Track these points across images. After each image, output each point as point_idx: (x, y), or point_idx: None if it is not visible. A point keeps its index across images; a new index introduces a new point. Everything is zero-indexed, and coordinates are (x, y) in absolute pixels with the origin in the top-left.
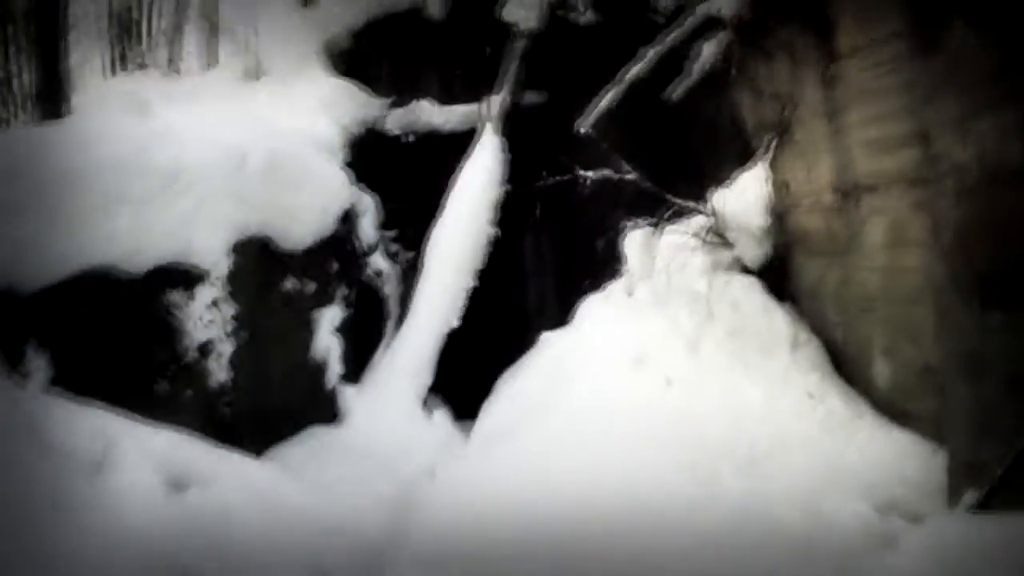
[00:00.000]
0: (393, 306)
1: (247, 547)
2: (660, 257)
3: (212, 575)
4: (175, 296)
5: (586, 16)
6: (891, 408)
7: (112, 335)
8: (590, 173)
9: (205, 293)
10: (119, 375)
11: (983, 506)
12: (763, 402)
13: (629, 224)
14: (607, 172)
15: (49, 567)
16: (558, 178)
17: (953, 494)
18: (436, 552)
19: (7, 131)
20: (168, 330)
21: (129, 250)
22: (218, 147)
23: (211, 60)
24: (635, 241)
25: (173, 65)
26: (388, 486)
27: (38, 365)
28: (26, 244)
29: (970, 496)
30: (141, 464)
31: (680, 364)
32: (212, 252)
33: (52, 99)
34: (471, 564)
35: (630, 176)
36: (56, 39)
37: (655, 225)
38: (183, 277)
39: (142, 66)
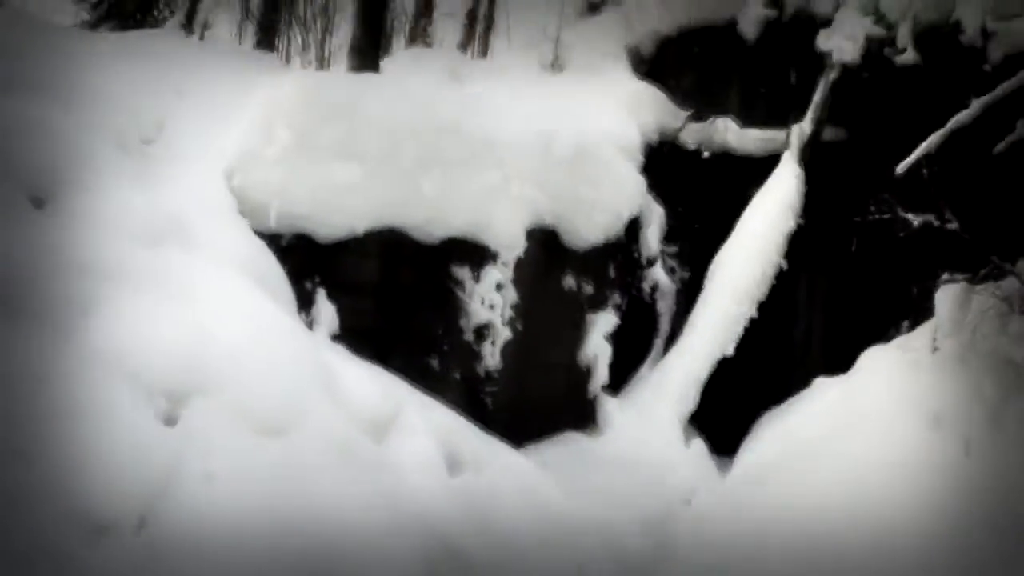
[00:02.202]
0: (665, 323)
1: (515, 538)
2: (971, 317)
3: (483, 560)
4: (463, 271)
5: (906, 56)
6: None
7: (396, 299)
8: (912, 216)
9: (492, 274)
10: (395, 341)
11: None
12: None
13: (943, 277)
14: (930, 217)
15: (335, 519)
16: (879, 216)
17: None
18: None
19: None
20: (451, 305)
21: (430, 216)
22: (528, 125)
23: (488, 49)
24: (948, 295)
25: (464, 47)
26: (648, 504)
27: (326, 315)
28: (336, 191)
29: None
30: (425, 435)
31: (979, 428)
32: (507, 233)
33: (367, 52)
34: None
35: (951, 225)
36: None
37: (971, 281)
38: (475, 253)
39: (429, 43)
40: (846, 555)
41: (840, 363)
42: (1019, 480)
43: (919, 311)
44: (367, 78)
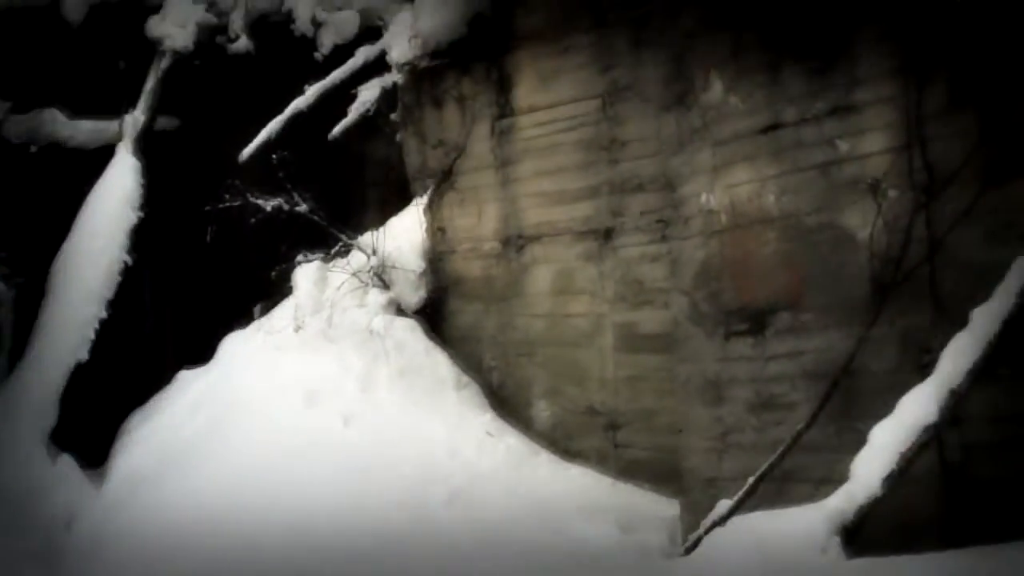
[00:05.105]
0: (7, 335)
1: None
2: (328, 293)
3: None
4: None
5: (239, 44)
6: (553, 447)
7: None
8: (263, 200)
9: None
10: None
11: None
12: (446, 439)
13: (299, 257)
14: (280, 201)
15: None
16: (231, 203)
17: (688, 508)
18: None
19: None
20: None
21: None
22: None
23: None
24: (305, 274)
25: None
26: (23, 537)
27: None
28: None
29: (724, 504)
30: None
31: (355, 402)
32: None
33: None
34: None
35: (301, 208)
36: None
37: (325, 259)
38: None
39: None
40: (246, 545)
41: (202, 353)
42: (394, 437)
43: (273, 293)
44: None
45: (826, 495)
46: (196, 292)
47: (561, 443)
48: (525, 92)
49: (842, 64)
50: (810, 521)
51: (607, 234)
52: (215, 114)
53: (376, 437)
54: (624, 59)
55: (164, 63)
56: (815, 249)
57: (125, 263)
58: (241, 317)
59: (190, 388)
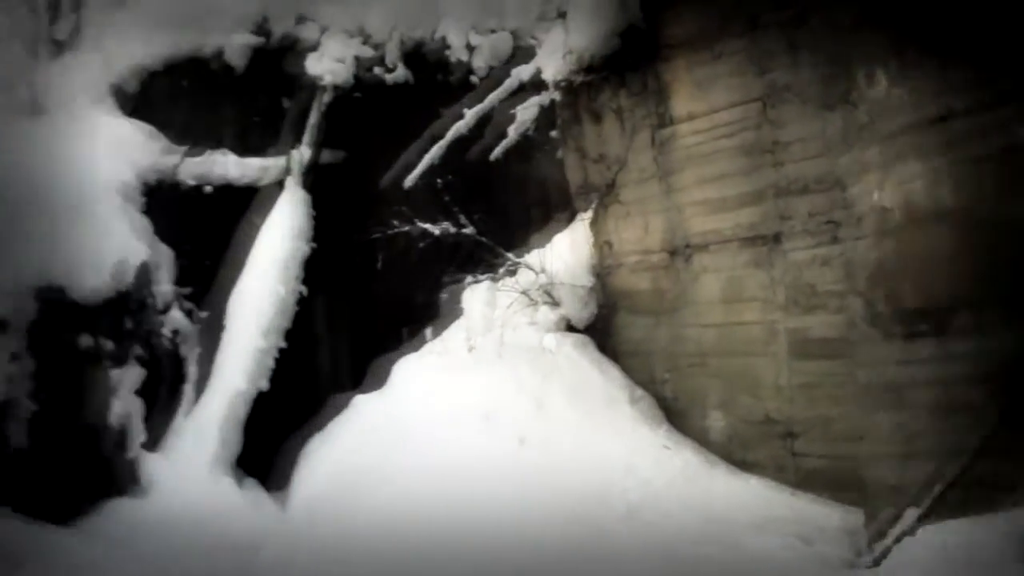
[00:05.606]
0: (192, 368)
1: None
2: (498, 312)
3: None
4: None
5: (396, 74)
6: (729, 458)
7: None
8: (431, 225)
9: (6, 344)
10: None
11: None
12: (622, 455)
13: (468, 279)
14: (447, 225)
15: None
16: (399, 229)
17: (872, 518)
18: None
19: None
20: None
21: None
22: (12, 179)
23: None
24: (476, 295)
25: None
26: (212, 561)
27: None
28: None
29: (911, 513)
30: None
31: (530, 420)
32: (12, 297)
33: None
34: None
35: (468, 230)
36: None
37: (494, 280)
38: None
39: None
40: (427, 569)
41: (377, 379)
42: (569, 454)
43: (427, 317)
44: None
45: (1019, 503)
46: (372, 317)
47: (737, 454)
48: (682, 100)
49: (1013, 48)
50: (1004, 530)
51: (775, 239)
52: (372, 143)
53: (552, 454)
54: (780, 60)
55: (325, 98)
56: (996, 242)
57: (300, 293)
58: (397, 341)
59: (366, 412)
